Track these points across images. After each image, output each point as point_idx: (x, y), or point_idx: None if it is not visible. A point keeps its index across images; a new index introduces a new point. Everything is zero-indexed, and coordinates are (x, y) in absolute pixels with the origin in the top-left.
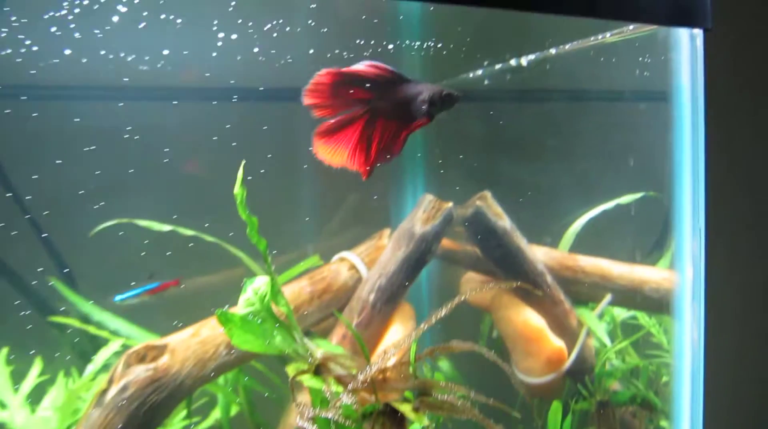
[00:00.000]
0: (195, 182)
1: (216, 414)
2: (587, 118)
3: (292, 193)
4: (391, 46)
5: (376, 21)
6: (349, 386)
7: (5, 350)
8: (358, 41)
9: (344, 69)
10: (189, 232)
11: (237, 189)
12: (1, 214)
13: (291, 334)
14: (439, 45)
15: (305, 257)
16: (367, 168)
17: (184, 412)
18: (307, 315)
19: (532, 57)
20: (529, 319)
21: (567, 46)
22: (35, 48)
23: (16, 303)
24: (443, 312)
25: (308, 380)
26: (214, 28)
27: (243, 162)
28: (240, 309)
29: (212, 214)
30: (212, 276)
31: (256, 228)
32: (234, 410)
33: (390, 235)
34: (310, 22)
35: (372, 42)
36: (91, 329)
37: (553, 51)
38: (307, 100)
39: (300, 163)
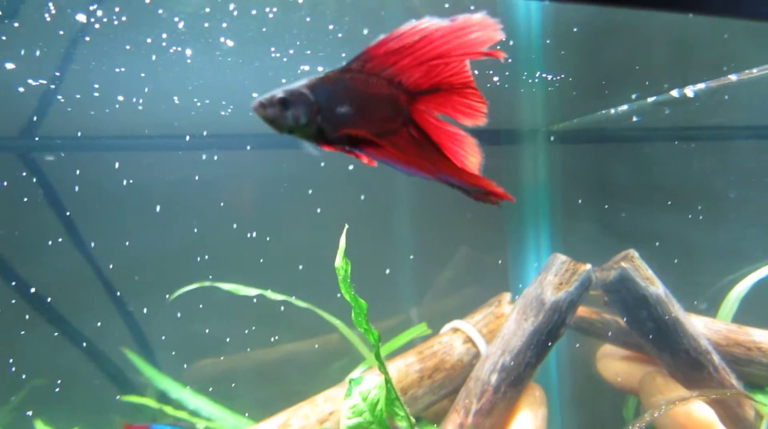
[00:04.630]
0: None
1: None
2: None
3: (391, 245)
4: (496, 78)
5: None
6: None
7: None
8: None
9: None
10: (278, 297)
11: (339, 261)
12: (77, 281)
13: None
14: (568, 77)
15: (408, 324)
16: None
17: None
18: (417, 398)
19: (701, 86)
20: (693, 408)
21: (755, 71)
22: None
23: (89, 376)
24: None
25: None
26: None
27: (346, 227)
28: (344, 419)
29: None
30: (301, 342)
31: (365, 313)
32: None
33: (511, 301)
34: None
35: (475, 72)
36: (169, 409)
37: (733, 77)
38: None
39: (399, 209)
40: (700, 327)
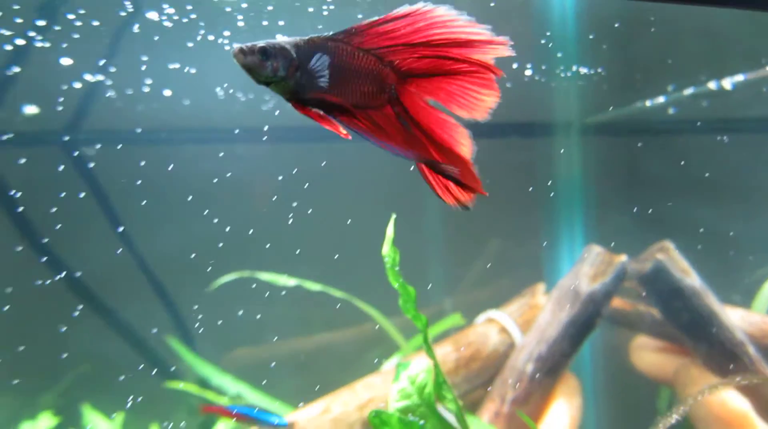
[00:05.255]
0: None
1: None
2: None
3: (422, 236)
4: (530, 72)
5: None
6: None
7: (121, 416)
8: None
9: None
10: (316, 287)
11: (387, 249)
12: (121, 271)
13: None
14: (604, 71)
15: (442, 315)
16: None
17: None
18: (453, 387)
19: (740, 78)
20: (728, 399)
21: None
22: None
23: (132, 362)
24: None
25: None
26: None
27: (393, 216)
28: (392, 401)
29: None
30: (337, 332)
31: (414, 300)
32: None
33: (545, 292)
34: None
35: (514, 66)
36: (210, 395)
37: None
38: None
39: (431, 201)
40: (736, 319)
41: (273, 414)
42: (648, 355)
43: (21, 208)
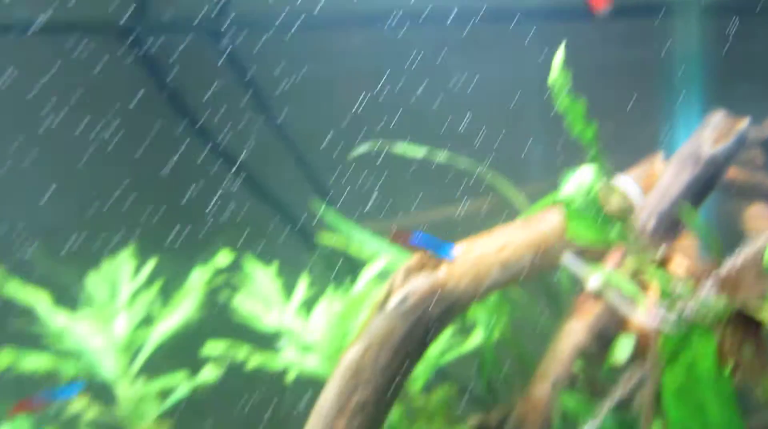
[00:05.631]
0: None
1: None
2: None
3: (532, 115)
4: None
5: None
6: (711, 279)
7: (275, 265)
8: None
9: None
10: (441, 157)
11: (556, 75)
12: (263, 143)
13: (626, 228)
14: None
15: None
16: None
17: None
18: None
19: None
20: None
21: None
22: None
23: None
24: None
25: (653, 273)
26: None
27: (563, 42)
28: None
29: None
30: (465, 203)
31: (582, 114)
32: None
33: (663, 161)
34: None
35: None
36: (354, 250)
37: None
38: None
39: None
40: None
41: (446, 244)
42: (763, 222)
43: (176, 92)
